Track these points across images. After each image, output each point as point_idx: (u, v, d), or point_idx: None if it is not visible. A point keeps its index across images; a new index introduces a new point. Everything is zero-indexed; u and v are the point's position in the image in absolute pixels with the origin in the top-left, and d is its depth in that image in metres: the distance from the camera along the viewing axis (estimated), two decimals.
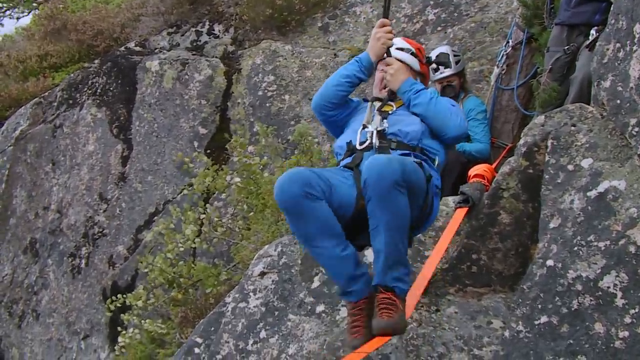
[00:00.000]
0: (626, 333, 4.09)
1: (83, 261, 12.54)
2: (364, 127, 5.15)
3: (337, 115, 5.51)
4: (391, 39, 5.39)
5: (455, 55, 8.44)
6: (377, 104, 5.38)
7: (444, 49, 8.60)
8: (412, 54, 5.62)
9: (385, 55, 5.40)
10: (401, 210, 4.35)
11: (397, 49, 5.58)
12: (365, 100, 5.61)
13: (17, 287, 13.47)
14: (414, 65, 5.59)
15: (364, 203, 4.53)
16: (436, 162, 5.11)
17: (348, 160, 5.07)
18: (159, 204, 11.90)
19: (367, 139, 5.07)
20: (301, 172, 4.53)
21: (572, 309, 4.34)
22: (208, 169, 9.86)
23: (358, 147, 5.07)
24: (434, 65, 8.09)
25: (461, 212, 5.46)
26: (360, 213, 4.61)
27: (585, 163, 4.73)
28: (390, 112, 5.31)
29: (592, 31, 6.72)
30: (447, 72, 8.28)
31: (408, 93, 5.28)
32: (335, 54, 11.80)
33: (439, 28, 11.02)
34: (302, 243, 4.96)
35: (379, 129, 5.05)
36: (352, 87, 5.48)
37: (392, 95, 5.46)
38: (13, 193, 13.93)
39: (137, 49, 13.75)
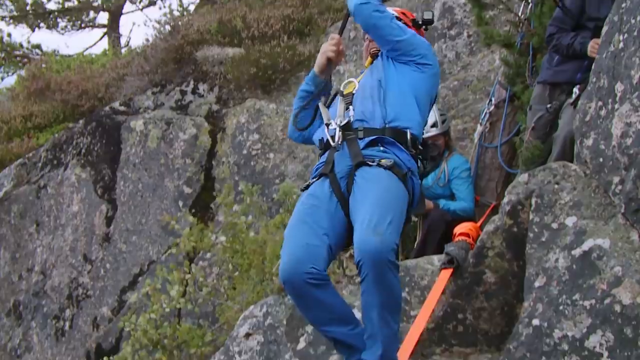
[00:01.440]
0: None
1: (67, 323, 12.41)
2: (327, 125, 5.09)
3: (306, 134, 5.49)
4: (333, 52, 5.37)
5: (441, 115, 8.40)
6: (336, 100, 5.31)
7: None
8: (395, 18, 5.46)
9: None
10: (395, 290, 4.37)
11: None
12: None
13: (0, 350, 13.30)
14: None
15: None
16: (408, 137, 4.99)
17: (323, 160, 5.06)
18: (144, 264, 11.82)
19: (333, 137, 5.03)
20: (299, 258, 4.47)
21: None
22: (191, 228, 9.82)
23: (332, 143, 5.01)
24: None
25: (446, 273, 5.44)
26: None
27: (570, 221, 4.75)
28: (353, 91, 5.26)
29: (575, 89, 6.77)
30: (434, 131, 8.20)
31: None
32: None
33: None
34: (311, 324, 5.05)
35: (342, 123, 4.99)
36: (303, 100, 5.45)
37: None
38: None
39: (122, 108, 13.75)
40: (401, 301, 4.56)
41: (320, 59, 5.43)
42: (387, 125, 4.97)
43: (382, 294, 4.27)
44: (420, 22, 5.81)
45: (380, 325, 4.33)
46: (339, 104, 5.19)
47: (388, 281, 4.26)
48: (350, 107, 5.12)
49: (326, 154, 5.07)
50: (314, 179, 5.03)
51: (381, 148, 4.91)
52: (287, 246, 4.62)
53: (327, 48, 5.39)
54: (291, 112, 5.33)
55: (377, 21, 5.21)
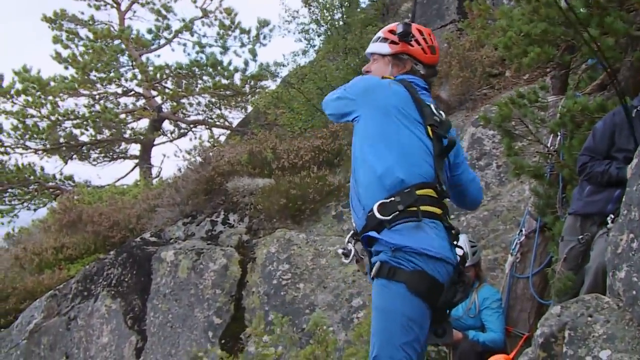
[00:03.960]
0: None
1: None
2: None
3: None
4: None
5: (472, 246, 8.37)
6: None
7: (461, 238, 8.49)
8: (380, 39, 5.28)
9: None
10: None
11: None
12: None
13: None
14: (381, 50, 5.24)
15: None
16: (376, 214, 4.56)
17: None
18: None
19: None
20: None
21: None
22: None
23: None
24: None
25: None
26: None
27: (604, 355, 4.68)
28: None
29: (611, 216, 6.73)
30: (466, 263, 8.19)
31: None
32: None
33: (452, 216, 11.10)
34: None
35: (348, 240, 4.91)
36: None
37: None
38: None
39: (153, 239, 13.87)
40: None
41: None
42: (367, 216, 4.69)
43: None
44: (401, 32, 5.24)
45: None
46: None
47: None
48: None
49: None
50: None
51: (372, 250, 4.65)
52: None
53: None
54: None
55: (331, 117, 5.22)
